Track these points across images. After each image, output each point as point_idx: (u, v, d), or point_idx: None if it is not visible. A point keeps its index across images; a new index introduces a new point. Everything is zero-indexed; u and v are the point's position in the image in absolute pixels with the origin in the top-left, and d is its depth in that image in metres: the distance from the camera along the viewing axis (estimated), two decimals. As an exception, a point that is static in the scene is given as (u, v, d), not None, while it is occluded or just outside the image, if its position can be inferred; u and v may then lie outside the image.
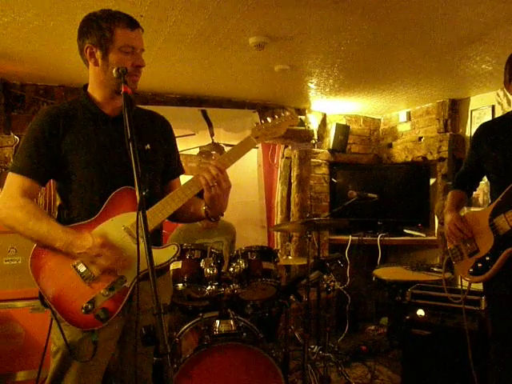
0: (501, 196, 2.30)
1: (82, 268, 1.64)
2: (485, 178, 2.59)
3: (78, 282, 1.64)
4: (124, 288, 1.66)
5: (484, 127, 2.57)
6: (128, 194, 1.71)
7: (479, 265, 2.33)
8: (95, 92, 1.77)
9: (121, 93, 1.55)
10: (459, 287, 2.65)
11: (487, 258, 2.30)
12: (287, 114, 1.96)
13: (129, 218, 1.69)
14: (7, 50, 3.31)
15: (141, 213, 1.34)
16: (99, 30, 1.66)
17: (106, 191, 1.72)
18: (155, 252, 1.56)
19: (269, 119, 1.89)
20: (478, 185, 2.70)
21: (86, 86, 1.82)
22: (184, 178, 1.96)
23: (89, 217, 1.70)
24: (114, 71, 1.61)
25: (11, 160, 3.68)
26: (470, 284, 2.45)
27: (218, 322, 2.73)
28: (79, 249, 1.61)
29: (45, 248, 1.65)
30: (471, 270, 2.37)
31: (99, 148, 1.74)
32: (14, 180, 1.70)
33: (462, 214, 2.54)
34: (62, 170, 1.73)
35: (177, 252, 1.75)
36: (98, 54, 1.68)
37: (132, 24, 1.71)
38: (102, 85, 1.74)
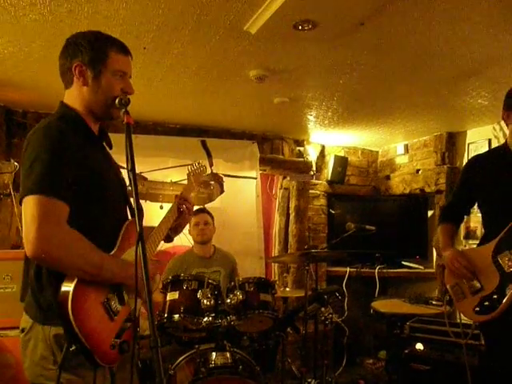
0: (503, 232, 2.25)
1: (112, 303, 1.55)
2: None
3: (105, 319, 1.53)
4: (137, 318, 1.63)
5: (476, 159, 2.58)
6: (132, 226, 1.67)
7: (486, 303, 2.25)
8: (79, 110, 1.66)
9: (123, 123, 1.51)
10: (458, 321, 2.61)
11: (494, 296, 2.22)
12: (201, 162, 2.43)
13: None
14: (12, 79, 3.37)
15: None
16: (92, 50, 1.61)
17: (115, 220, 1.66)
18: None
19: (195, 165, 2.39)
20: (464, 217, 2.70)
21: (63, 103, 1.69)
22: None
23: (106, 245, 1.58)
24: (116, 101, 1.58)
25: (11, 186, 3.69)
26: (475, 323, 2.40)
27: (214, 354, 2.69)
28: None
29: (80, 289, 1.47)
30: (477, 309, 2.28)
31: (102, 171, 1.66)
32: (52, 204, 1.44)
33: (460, 249, 2.53)
34: (78, 194, 1.54)
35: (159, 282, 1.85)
36: (89, 74, 1.62)
37: (125, 50, 1.69)
38: (88, 105, 1.65)
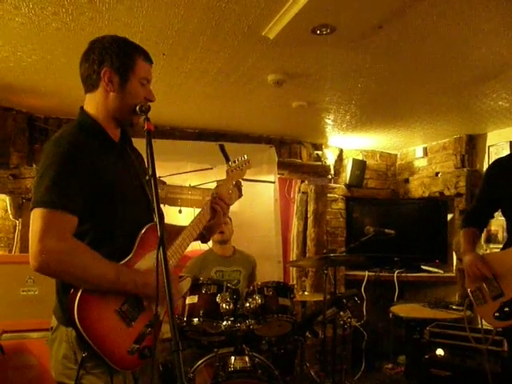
0: None
1: (129, 310, 1.56)
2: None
3: (121, 325, 1.54)
4: (159, 323, 1.61)
5: (498, 163, 2.56)
6: (153, 230, 1.63)
7: (506, 309, 2.23)
8: (99, 117, 1.66)
9: (144, 129, 1.53)
10: (479, 326, 2.57)
11: None
12: (246, 157, 2.23)
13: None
14: (34, 86, 3.43)
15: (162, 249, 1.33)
16: (121, 56, 1.62)
17: (133, 227, 1.65)
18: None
19: (238, 160, 2.20)
20: (489, 221, 2.67)
21: (82, 110, 1.69)
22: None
23: (120, 256, 1.59)
24: (137, 108, 1.60)
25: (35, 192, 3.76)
26: (495, 328, 2.37)
27: (233, 358, 2.70)
28: (152, 289, 1.48)
29: (88, 296, 1.49)
30: (497, 315, 2.27)
31: (120, 179, 1.65)
32: (57, 217, 1.45)
33: (481, 253, 2.49)
34: (89, 205, 1.54)
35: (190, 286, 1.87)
36: (117, 80, 1.61)
37: (149, 58, 1.70)
38: (111, 111, 1.65)
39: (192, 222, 1.85)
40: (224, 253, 3.69)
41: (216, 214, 1.90)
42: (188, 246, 1.78)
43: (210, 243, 3.75)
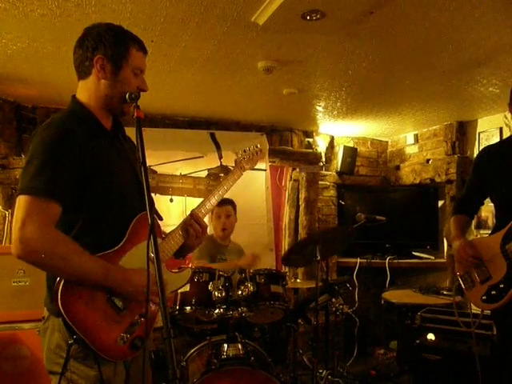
0: None
1: (117, 300, 1.54)
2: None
3: (111, 314, 1.53)
4: (153, 313, 1.63)
5: (486, 151, 2.56)
6: (146, 219, 1.57)
7: (493, 292, 2.27)
8: (91, 104, 1.65)
9: (133, 117, 1.52)
10: (469, 311, 2.60)
11: (501, 286, 2.24)
12: (258, 146, 2.16)
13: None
14: (21, 74, 3.38)
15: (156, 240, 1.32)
16: (116, 44, 1.61)
17: (124, 215, 1.63)
18: (174, 276, 1.69)
19: (248, 149, 2.16)
20: (479, 208, 2.69)
21: (74, 98, 1.69)
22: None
23: (111, 244, 1.57)
24: (127, 96, 1.58)
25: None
26: (482, 311, 2.40)
27: (225, 345, 2.70)
28: (133, 286, 1.53)
29: (74, 284, 1.48)
30: (485, 298, 2.31)
31: (112, 167, 1.64)
32: (40, 205, 1.43)
33: (471, 238, 2.52)
34: (78, 193, 1.53)
35: (190, 276, 1.85)
36: (109, 67, 1.61)
37: (144, 48, 1.70)
38: (102, 99, 1.64)
39: (169, 236, 1.79)
40: (224, 242, 3.69)
41: (188, 235, 1.80)
42: (170, 253, 1.76)
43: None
